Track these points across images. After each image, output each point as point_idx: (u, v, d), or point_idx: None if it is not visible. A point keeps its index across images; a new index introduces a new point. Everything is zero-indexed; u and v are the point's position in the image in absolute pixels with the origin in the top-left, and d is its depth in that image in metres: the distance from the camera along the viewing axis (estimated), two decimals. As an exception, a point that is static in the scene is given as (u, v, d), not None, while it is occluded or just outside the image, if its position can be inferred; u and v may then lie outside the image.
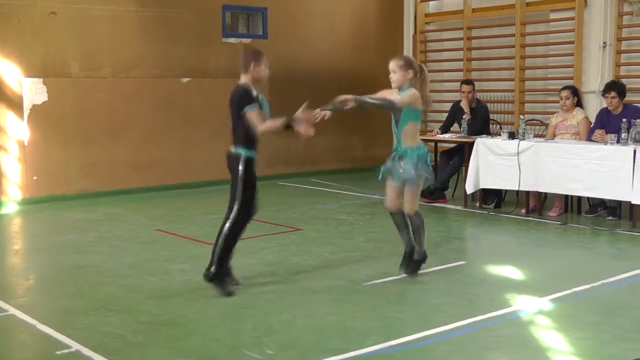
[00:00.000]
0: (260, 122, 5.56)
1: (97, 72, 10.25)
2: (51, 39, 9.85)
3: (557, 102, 9.15)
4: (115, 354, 4.38)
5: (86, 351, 4.42)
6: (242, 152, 5.74)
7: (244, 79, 5.73)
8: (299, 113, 5.60)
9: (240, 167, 5.71)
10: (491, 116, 10.32)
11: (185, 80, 10.98)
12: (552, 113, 9.52)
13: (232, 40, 11.47)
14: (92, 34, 10.15)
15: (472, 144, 9.01)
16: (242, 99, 5.62)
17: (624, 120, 7.92)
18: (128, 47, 10.48)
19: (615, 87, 8.46)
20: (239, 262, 6.51)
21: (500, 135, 9.33)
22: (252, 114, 5.56)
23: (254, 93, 5.63)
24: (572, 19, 10.79)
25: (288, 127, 5.60)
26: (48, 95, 9.82)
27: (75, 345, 4.51)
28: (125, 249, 7.18)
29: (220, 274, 5.61)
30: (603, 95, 8.65)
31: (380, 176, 6.04)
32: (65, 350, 4.45)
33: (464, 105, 9.76)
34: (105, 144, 10.29)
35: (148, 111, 10.64)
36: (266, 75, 5.76)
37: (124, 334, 4.74)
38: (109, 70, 10.34)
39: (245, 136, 5.71)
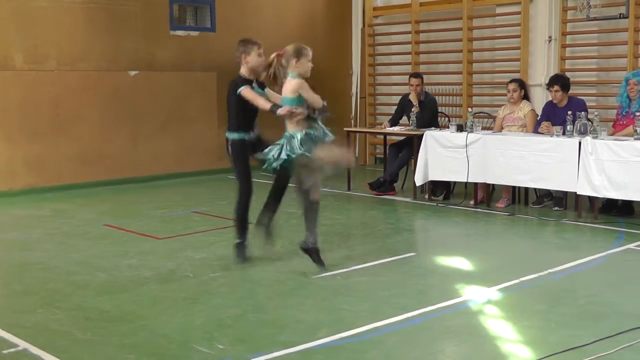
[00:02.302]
0: (256, 97, 6.06)
1: (42, 65, 10.06)
2: (-6, 31, 9.66)
3: (505, 95, 9.26)
4: (63, 351, 4.32)
5: (34, 349, 4.35)
6: (230, 135, 6.24)
7: (242, 70, 6.21)
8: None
9: (230, 149, 6.25)
10: (439, 109, 10.41)
11: (132, 73, 10.85)
12: (500, 106, 9.65)
13: (180, 33, 11.36)
14: (37, 26, 9.95)
15: (421, 136, 9.08)
16: (234, 85, 6.13)
17: (569, 112, 8.05)
18: (74, 39, 10.31)
19: (558, 81, 8.60)
20: (188, 256, 6.49)
21: (448, 127, 9.42)
22: (245, 91, 6.05)
23: (246, 80, 6.15)
24: (518, 13, 10.93)
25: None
26: (-9, 89, 9.64)
27: (22, 344, 4.43)
28: (73, 245, 7.08)
29: (240, 244, 6.31)
30: (547, 88, 8.81)
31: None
32: (13, 349, 4.37)
33: (413, 98, 9.82)
34: (51, 138, 10.11)
35: (95, 105, 10.49)
36: (261, 64, 6.17)
37: (73, 331, 4.67)
38: (54, 63, 10.16)
39: (234, 121, 6.22)
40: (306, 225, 5.90)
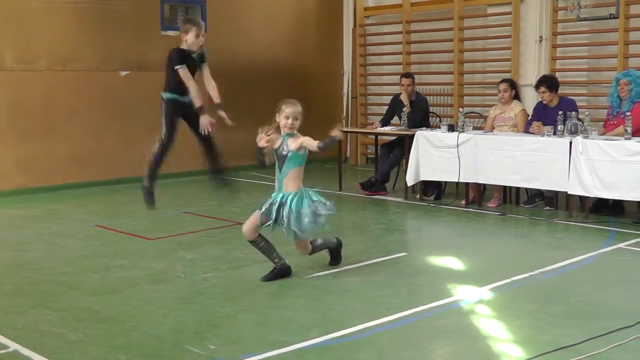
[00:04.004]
0: (189, 80, 6.67)
1: (33, 65, 10.03)
2: (-16, 31, 9.63)
3: (496, 95, 9.29)
4: (54, 352, 4.31)
5: (25, 351, 4.33)
6: (164, 94, 6.83)
7: (182, 45, 6.83)
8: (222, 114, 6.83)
9: (163, 106, 6.84)
10: (431, 109, 10.42)
11: (123, 73, 10.83)
12: (491, 106, 9.67)
13: (171, 33, 11.31)
14: (27, 26, 9.91)
15: (412, 136, 9.09)
16: (172, 56, 6.75)
17: (560, 112, 8.08)
18: (64, 39, 10.28)
19: (544, 82, 8.62)
20: (180, 257, 6.48)
21: (439, 127, 9.43)
22: (182, 71, 6.66)
23: (184, 51, 6.74)
24: (509, 13, 10.96)
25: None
26: (-19, 89, 9.60)
27: (13, 345, 4.42)
28: (65, 245, 7.06)
29: (147, 187, 6.98)
30: (535, 90, 8.83)
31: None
32: (3, 351, 4.36)
33: (404, 98, 9.83)
34: (42, 138, 10.08)
35: (86, 105, 10.45)
36: (195, 45, 6.79)
37: (64, 332, 4.66)
38: (44, 63, 10.13)
39: (169, 83, 6.81)
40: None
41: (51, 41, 10.15)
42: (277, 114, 5.71)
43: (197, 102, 6.66)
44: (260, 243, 5.80)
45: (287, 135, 5.70)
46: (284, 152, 5.69)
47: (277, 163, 5.76)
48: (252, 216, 5.75)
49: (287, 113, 5.65)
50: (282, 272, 5.78)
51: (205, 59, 6.92)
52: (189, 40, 6.78)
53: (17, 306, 5.21)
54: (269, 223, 5.66)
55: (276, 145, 5.71)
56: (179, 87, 6.75)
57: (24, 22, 9.89)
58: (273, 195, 5.73)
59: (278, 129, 5.72)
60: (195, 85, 6.70)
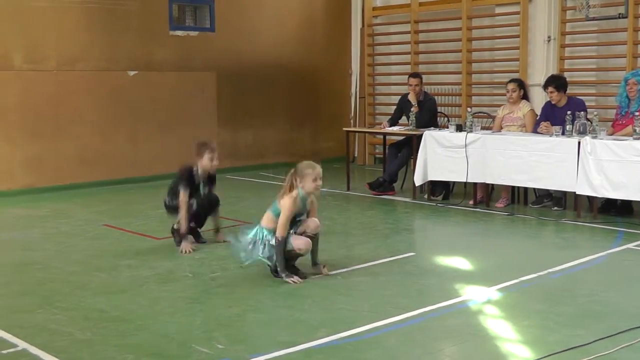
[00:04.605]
0: (183, 209, 6.68)
1: (42, 64, 10.06)
2: (-7, 31, 9.66)
3: (504, 94, 9.27)
4: (62, 351, 4.31)
5: (33, 349, 4.34)
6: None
7: (196, 167, 6.83)
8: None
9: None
10: (439, 109, 10.40)
11: (132, 73, 10.85)
12: (499, 106, 9.64)
13: (179, 32, 11.37)
14: (36, 26, 9.95)
15: (420, 136, 9.08)
16: (182, 174, 6.82)
17: (569, 112, 8.05)
18: (73, 39, 10.31)
19: (552, 82, 8.60)
20: (187, 257, 6.49)
21: (447, 127, 9.42)
22: (181, 195, 6.69)
23: (194, 178, 6.80)
24: (517, 13, 10.94)
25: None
26: (-10, 89, 9.63)
27: (21, 344, 4.43)
28: (72, 245, 7.08)
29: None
30: (544, 90, 8.81)
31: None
32: (12, 350, 4.37)
33: (412, 98, 9.82)
34: (50, 138, 10.11)
35: (94, 105, 10.49)
36: (208, 167, 6.84)
37: (72, 331, 4.67)
38: (53, 63, 10.16)
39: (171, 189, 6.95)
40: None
41: (60, 41, 10.18)
42: (297, 179, 5.71)
43: (183, 228, 6.68)
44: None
45: (306, 197, 5.77)
46: (303, 214, 5.83)
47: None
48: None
49: (316, 175, 5.70)
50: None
51: (214, 182, 7.02)
52: (203, 163, 6.82)
53: (25, 305, 5.22)
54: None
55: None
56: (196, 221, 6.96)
57: (32, 22, 9.92)
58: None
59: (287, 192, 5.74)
60: (185, 213, 6.67)
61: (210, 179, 6.97)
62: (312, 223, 5.82)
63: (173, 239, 6.89)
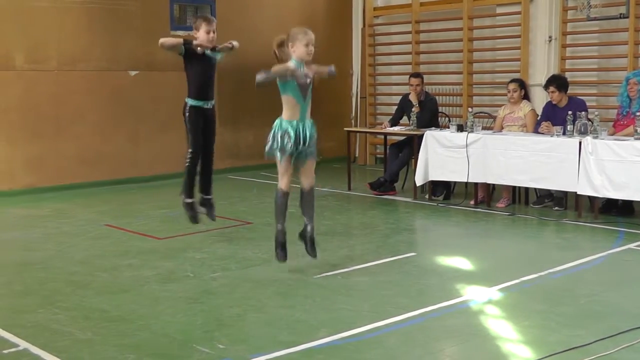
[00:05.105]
0: (170, 38, 7.14)
1: (43, 64, 10.06)
2: (-6, 31, 9.66)
3: (505, 94, 9.26)
4: (64, 351, 4.32)
5: (34, 349, 4.35)
6: (187, 100, 6.95)
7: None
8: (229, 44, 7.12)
9: (185, 112, 6.95)
10: (440, 109, 10.40)
11: (133, 73, 10.85)
12: (500, 106, 9.65)
13: (181, 32, 11.34)
14: (37, 26, 9.95)
15: (421, 136, 9.08)
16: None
17: (570, 112, 8.05)
18: (74, 39, 10.30)
19: (553, 82, 8.60)
20: (189, 256, 6.49)
21: (448, 127, 9.42)
22: (162, 39, 7.00)
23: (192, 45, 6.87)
24: (519, 13, 10.93)
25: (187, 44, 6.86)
26: (-9, 88, 9.63)
27: (23, 344, 4.44)
28: (74, 245, 7.08)
29: (187, 202, 7.00)
30: (545, 90, 8.81)
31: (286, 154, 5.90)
32: (13, 349, 4.37)
33: (413, 98, 9.82)
34: (51, 138, 10.11)
35: (95, 105, 10.48)
36: (209, 41, 6.93)
37: (73, 331, 4.67)
38: (54, 63, 10.16)
39: (189, 88, 6.97)
40: (309, 213, 5.99)
41: (61, 41, 10.18)
42: (289, 44, 5.74)
43: (178, 41, 7.00)
44: (284, 201, 5.89)
45: (300, 63, 5.74)
46: (308, 80, 5.78)
47: (295, 92, 5.79)
48: (281, 168, 5.91)
49: (308, 40, 5.73)
50: (277, 243, 5.87)
51: (218, 52, 7.08)
52: (200, 37, 6.90)
53: (26, 305, 5.23)
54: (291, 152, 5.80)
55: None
56: (200, 93, 6.93)
57: (33, 22, 9.92)
58: (288, 127, 5.81)
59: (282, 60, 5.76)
60: (174, 38, 7.10)
61: (213, 50, 7.02)
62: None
63: (185, 212, 7.04)
